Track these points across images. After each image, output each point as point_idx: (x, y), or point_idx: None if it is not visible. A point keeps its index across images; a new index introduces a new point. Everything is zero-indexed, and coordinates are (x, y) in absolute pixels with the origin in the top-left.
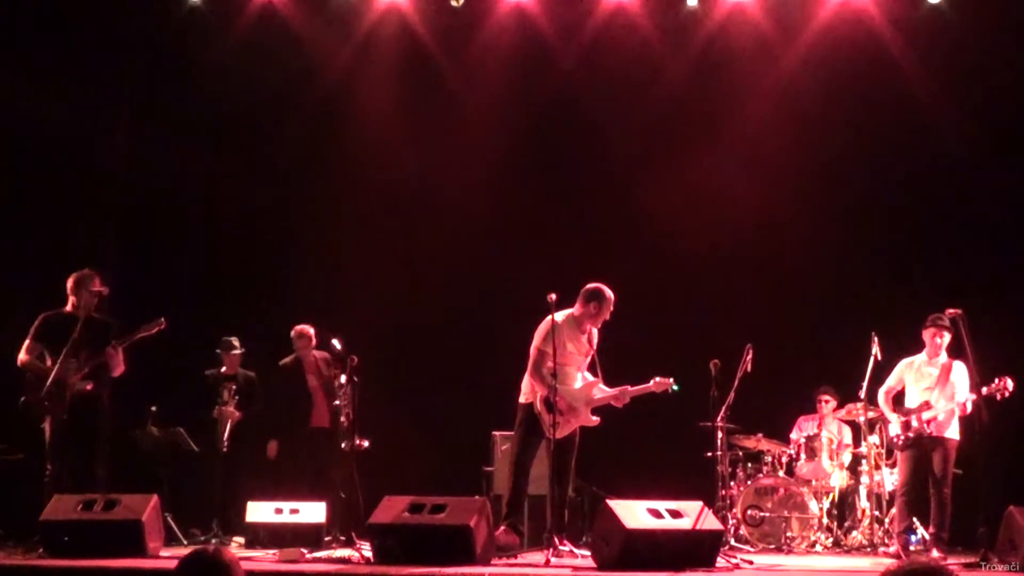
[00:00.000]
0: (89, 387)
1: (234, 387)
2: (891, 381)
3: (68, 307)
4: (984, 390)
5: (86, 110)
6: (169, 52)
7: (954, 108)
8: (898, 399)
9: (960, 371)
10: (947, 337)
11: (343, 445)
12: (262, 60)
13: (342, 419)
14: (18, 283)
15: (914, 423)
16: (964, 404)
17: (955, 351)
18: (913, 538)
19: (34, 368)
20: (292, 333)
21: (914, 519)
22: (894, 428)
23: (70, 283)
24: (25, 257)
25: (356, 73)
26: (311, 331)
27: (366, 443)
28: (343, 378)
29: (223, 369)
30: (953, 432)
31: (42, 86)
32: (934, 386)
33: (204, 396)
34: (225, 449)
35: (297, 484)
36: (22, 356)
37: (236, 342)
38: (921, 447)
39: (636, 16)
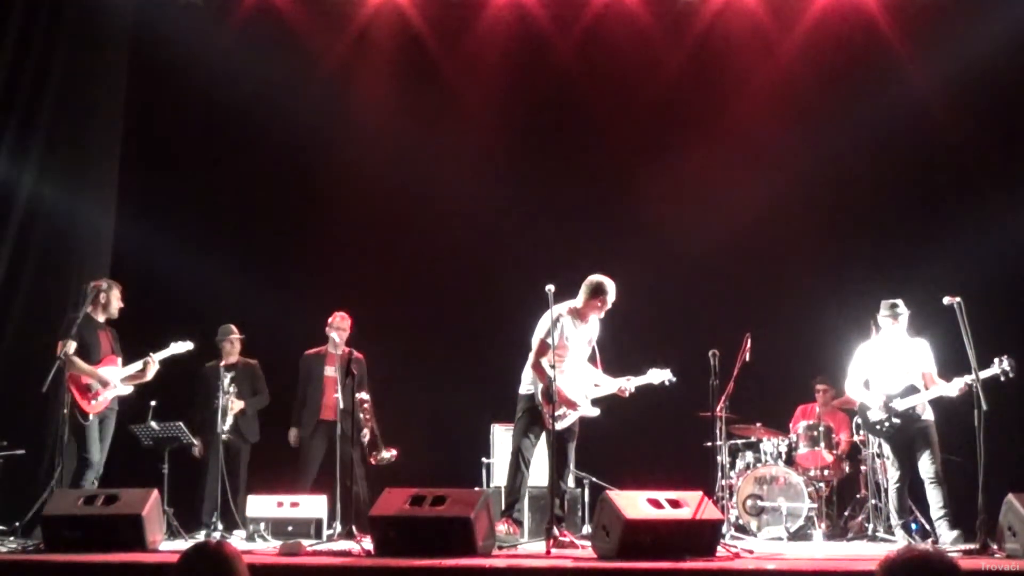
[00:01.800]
0: (127, 393)
1: (232, 375)
2: (857, 372)
3: (92, 311)
4: (984, 374)
5: (82, 104)
6: (165, 46)
7: (952, 96)
8: (865, 387)
9: (924, 348)
10: (903, 321)
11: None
12: (259, 53)
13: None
14: (17, 279)
15: (899, 407)
16: (962, 388)
17: (916, 334)
18: (913, 527)
19: (71, 364)
20: (329, 319)
21: (913, 508)
22: (875, 414)
23: (93, 290)
24: (26, 254)
25: (353, 65)
26: (346, 322)
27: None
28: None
29: (223, 360)
30: (929, 414)
31: (37, 79)
32: (910, 368)
33: (203, 390)
34: (225, 438)
35: (301, 478)
36: (65, 353)
37: (234, 328)
38: (905, 433)
39: (632, 7)
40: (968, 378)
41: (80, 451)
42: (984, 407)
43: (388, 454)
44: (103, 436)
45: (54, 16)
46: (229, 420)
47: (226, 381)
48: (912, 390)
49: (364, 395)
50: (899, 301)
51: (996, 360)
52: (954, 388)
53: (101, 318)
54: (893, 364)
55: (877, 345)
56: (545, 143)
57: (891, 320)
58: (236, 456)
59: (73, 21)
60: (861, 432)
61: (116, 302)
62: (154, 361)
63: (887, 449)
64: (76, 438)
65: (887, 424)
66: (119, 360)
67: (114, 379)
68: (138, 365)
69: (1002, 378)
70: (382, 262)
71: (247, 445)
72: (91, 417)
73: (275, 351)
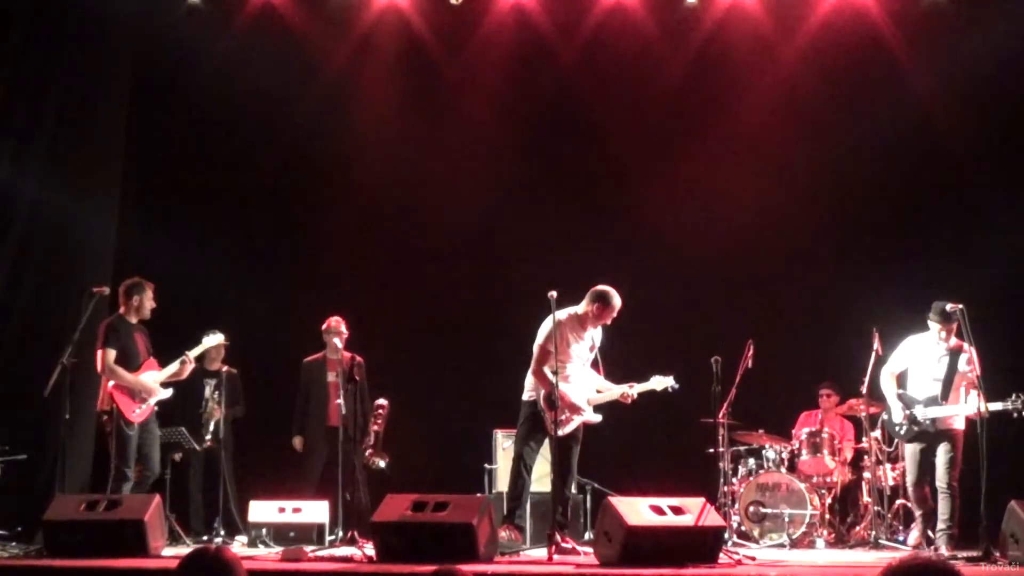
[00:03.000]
0: (168, 395)
1: (215, 382)
2: (896, 362)
3: (124, 312)
4: (996, 406)
5: (84, 109)
6: (168, 51)
7: (954, 103)
8: (900, 381)
9: (969, 358)
10: (953, 328)
11: (368, 458)
12: (261, 59)
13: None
14: (20, 284)
15: (919, 415)
16: (975, 413)
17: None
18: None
19: (115, 375)
20: (323, 326)
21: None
22: (896, 415)
23: (125, 291)
24: (29, 259)
25: (355, 71)
26: (342, 327)
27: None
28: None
29: (206, 366)
30: (959, 423)
31: (39, 85)
32: (941, 377)
33: (183, 393)
34: (208, 445)
35: (306, 483)
36: (103, 363)
37: (217, 333)
38: (926, 439)
39: (635, 13)
40: (978, 405)
41: (117, 461)
42: (987, 415)
43: (383, 462)
44: (150, 443)
45: (56, 23)
46: (211, 427)
47: (208, 388)
48: (934, 401)
49: (383, 401)
50: (949, 306)
51: (1013, 396)
52: (972, 407)
53: (134, 320)
54: (927, 369)
55: (922, 343)
56: (548, 148)
57: (939, 326)
58: (219, 463)
59: (75, 28)
60: (877, 430)
61: (149, 302)
62: (190, 359)
63: (907, 451)
64: (116, 448)
65: (905, 428)
66: (156, 362)
67: (155, 386)
68: (175, 366)
69: (1015, 415)
70: (384, 267)
71: (226, 452)
72: (135, 427)
73: (276, 356)
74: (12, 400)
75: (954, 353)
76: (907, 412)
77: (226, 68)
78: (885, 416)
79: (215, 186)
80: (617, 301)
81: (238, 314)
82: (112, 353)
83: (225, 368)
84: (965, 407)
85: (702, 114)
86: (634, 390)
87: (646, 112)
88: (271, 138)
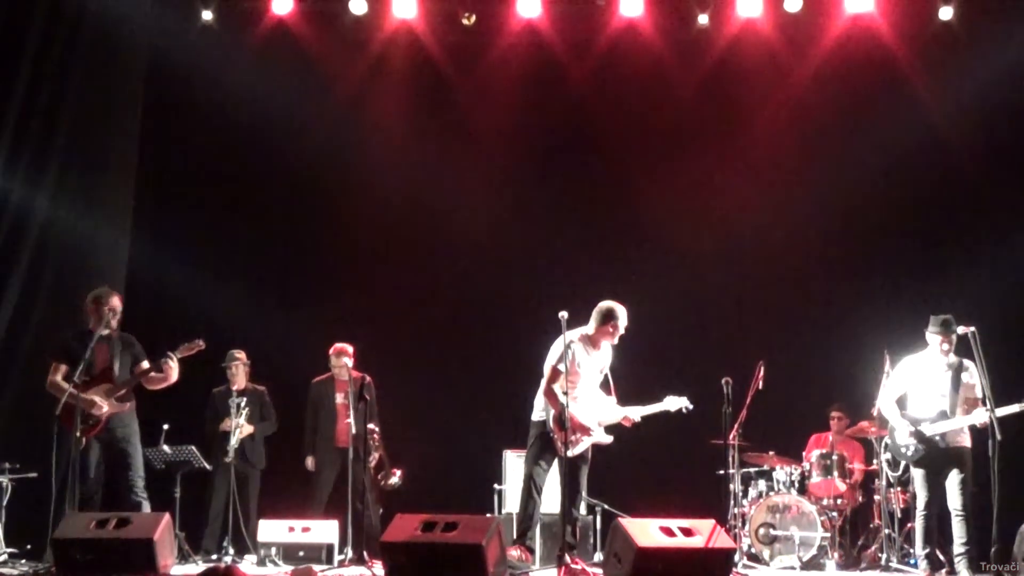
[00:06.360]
0: (127, 408)
1: (242, 402)
2: (895, 385)
3: (90, 326)
4: (1010, 409)
5: (97, 125)
6: (181, 69)
7: (964, 124)
8: (901, 403)
9: (972, 371)
10: (954, 340)
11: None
12: (274, 77)
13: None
14: (32, 301)
15: (928, 433)
16: (985, 422)
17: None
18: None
19: (57, 390)
20: (331, 351)
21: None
22: (902, 437)
23: (88, 301)
24: (41, 276)
25: (368, 91)
26: (349, 349)
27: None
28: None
29: (233, 386)
30: (966, 440)
31: (53, 101)
32: (947, 392)
33: (211, 414)
34: (229, 459)
35: (315, 503)
36: (49, 378)
37: (238, 354)
38: (936, 460)
39: (647, 33)
40: (984, 412)
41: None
42: (999, 437)
43: (394, 479)
44: (118, 452)
45: (69, 40)
46: (234, 445)
47: (234, 408)
48: (943, 416)
49: (372, 426)
50: (951, 317)
51: None
52: (979, 418)
53: (103, 331)
54: (932, 386)
55: (921, 362)
56: (559, 168)
57: (939, 338)
58: (244, 482)
59: (88, 44)
60: (887, 453)
61: (108, 311)
62: (173, 360)
63: (915, 473)
64: (57, 460)
65: (913, 449)
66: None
67: (102, 401)
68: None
69: None
70: (395, 286)
71: (255, 471)
72: (83, 441)
73: (286, 375)
74: (23, 417)
75: (956, 368)
76: (913, 430)
77: (238, 86)
78: (888, 441)
79: (227, 203)
80: (624, 314)
81: (248, 331)
82: (60, 367)
83: (251, 386)
84: (973, 417)
85: (714, 134)
86: (638, 413)
87: (658, 132)
88: (283, 156)
